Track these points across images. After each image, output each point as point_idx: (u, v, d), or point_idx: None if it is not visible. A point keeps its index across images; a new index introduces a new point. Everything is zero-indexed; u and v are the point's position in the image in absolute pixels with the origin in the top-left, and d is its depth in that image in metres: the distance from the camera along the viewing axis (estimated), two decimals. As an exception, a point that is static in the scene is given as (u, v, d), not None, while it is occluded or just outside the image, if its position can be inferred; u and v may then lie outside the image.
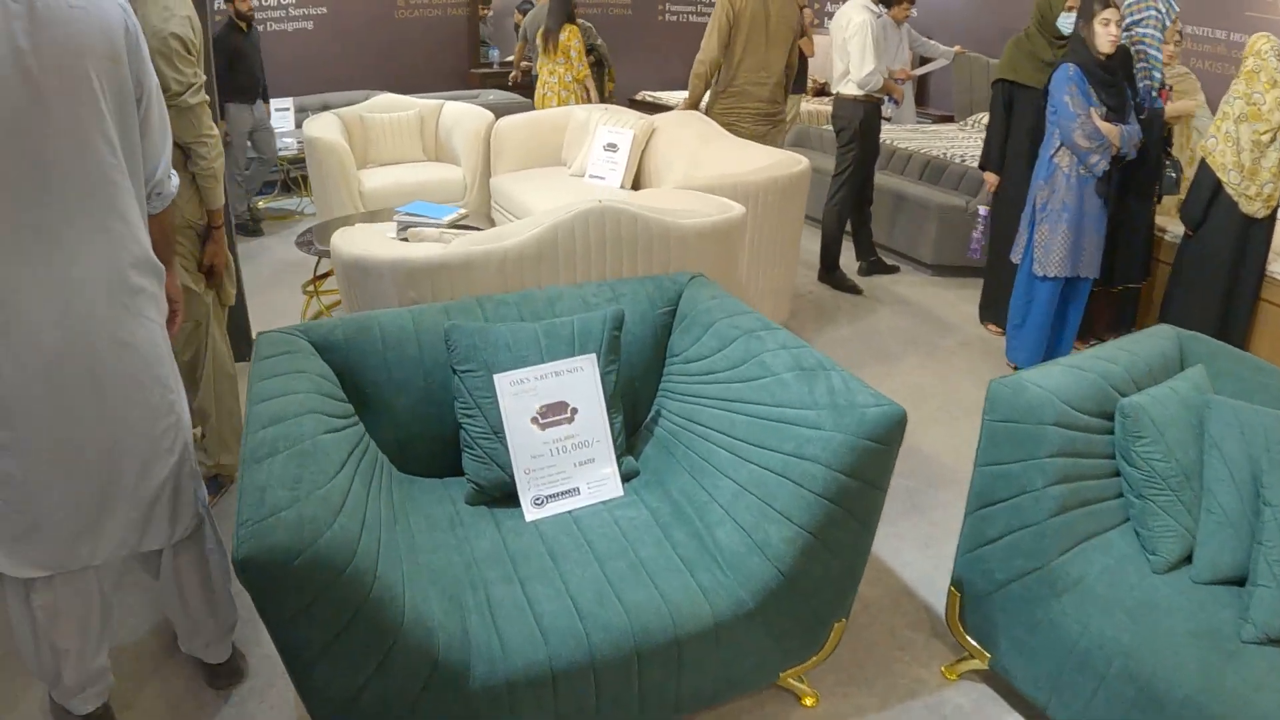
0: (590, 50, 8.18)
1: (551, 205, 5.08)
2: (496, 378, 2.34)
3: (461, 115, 6.42)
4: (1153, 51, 4.33)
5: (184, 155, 2.93)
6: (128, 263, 2.01)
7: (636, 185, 5.49)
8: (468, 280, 2.69)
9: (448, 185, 6.08)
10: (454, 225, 4.61)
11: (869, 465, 2.13)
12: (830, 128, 7.16)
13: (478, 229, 3.02)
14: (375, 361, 2.43)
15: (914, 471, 3.70)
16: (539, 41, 7.61)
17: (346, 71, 8.78)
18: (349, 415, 2.27)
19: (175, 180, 2.24)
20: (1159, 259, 4.81)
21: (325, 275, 4.82)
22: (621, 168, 5.39)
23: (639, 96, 10.07)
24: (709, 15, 10.80)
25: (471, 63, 9.59)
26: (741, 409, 2.36)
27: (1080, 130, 3.99)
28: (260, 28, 8.10)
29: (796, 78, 8.05)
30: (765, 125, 5.71)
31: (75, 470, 1.97)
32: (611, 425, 2.47)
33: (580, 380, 2.42)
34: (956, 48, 8.25)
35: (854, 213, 5.90)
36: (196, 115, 2.86)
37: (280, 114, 7.89)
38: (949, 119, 8.88)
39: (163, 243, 2.18)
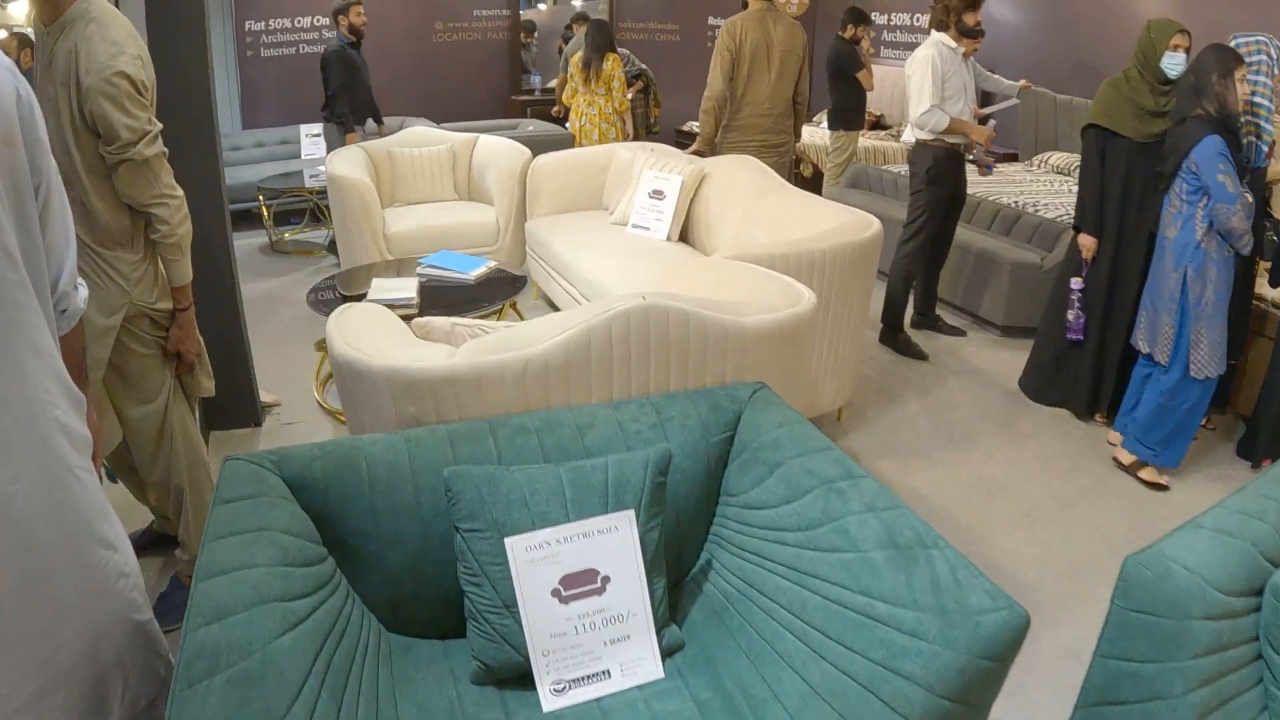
0: (636, 76, 7.76)
1: (589, 259, 4.76)
2: (509, 541, 1.87)
3: (496, 151, 5.98)
4: (1264, 102, 3.80)
5: (141, 220, 2.54)
6: (49, 403, 1.56)
7: (684, 237, 5.02)
8: (479, 396, 2.22)
9: (479, 229, 5.64)
10: (482, 278, 4.18)
11: (978, 687, 1.64)
12: (901, 170, 6.71)
13: (496, 327, 2.53)
14: (361, 507, 1.97)
15: (997, 596, 3.19)
16: (576, 71, 7.21)
17: (382, 97, 8.35)
18: (323, 582, 1.80)
19: (84, 292, 1.78)
20: (1258, 332, 4.27)
21: None
22: (668, 219, 4.92)
23: (685, 127, 9.60)
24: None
25: (513, 89, 9.19)
26: (816, 586, 1.87)
27: (1242, 212, 3.46)
28: (292, 50, 7.76)
29: (852, 112, 7.61)
30: (771, 157, 5.55)
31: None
32: (651, 594, 1.98)
33: (614, 542, 1.94)
34: (1022, 82, 7.72)
35: (923, 267, 5.36)
36: (153, 170, 2.44)
37: (311, 140, 7.52)
38: (1013, 157, 8.33)
39: (75, 370, 1.71)
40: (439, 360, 2.18)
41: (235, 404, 4.02)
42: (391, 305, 3.83)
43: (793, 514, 2.02)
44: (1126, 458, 3.99)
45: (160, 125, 2.46)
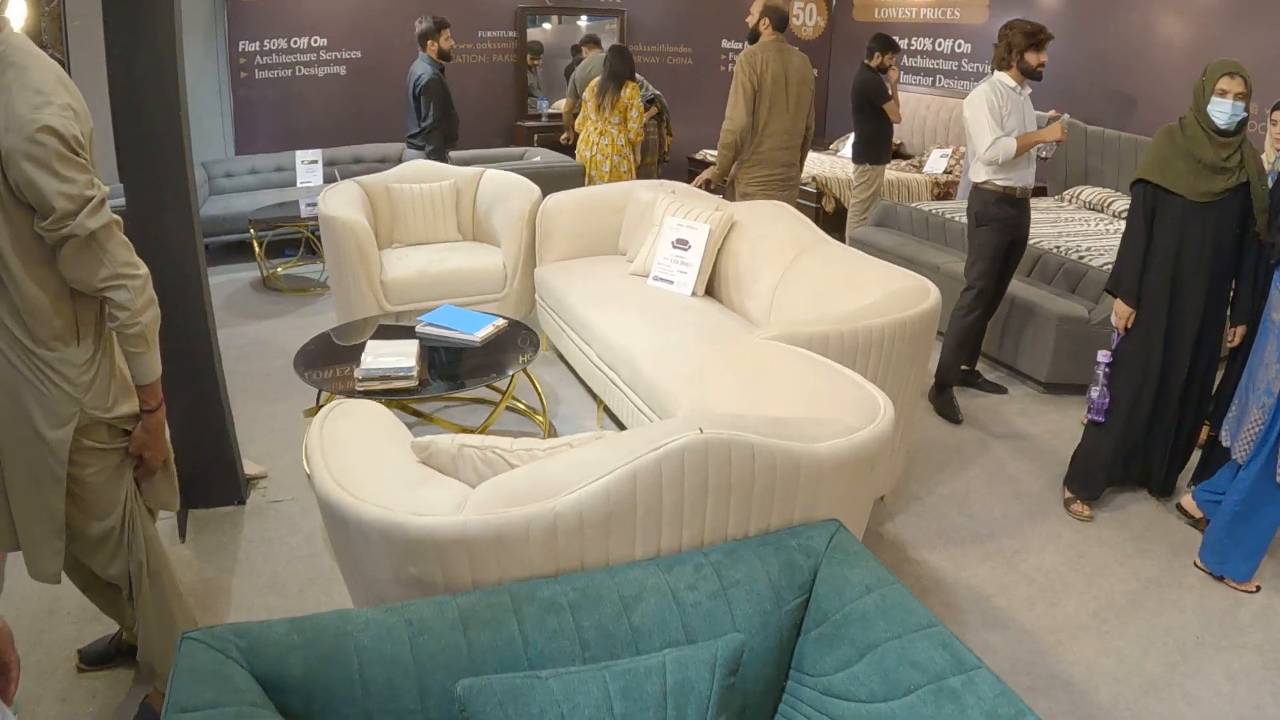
0: (650, 102, 7.37)
1: (609, 318, 4.23)
2: (543, 781, 1.44)
3: (504, 189, 5.56)
4: None
5: (92, 308, 2.13)
6: None
7: (709, 290, 4.61)
8: (498, 555, 1.80)
9: (484, 275, 5.22)
10: (490, 339, 3.74)
11: None
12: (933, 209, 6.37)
13: (512, 451, 2.10)
14: (354, 716, 1.54)
15: (1066, 715, 2.80)
16: (590, 98, 6.83)
17: (381, 122, 7.99)
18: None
19: None
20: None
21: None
22: (694, 272, 4.51)
23: (699, 155, 9.20)
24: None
25: (519, 114, 8.78)
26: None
27: None
28: (288, 73, 7.36)
29: (879, 144, 7.22)
30: (787, 189, 5.65)
31: None
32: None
33: (675, 772, 1.51)
34: (1052, 112, 7.33)
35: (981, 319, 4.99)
36: (101, 245, 1.99)
37: (307, 168, 7.11)
38: (1042, 191, 7.92)
39: None
40: (448, 517, 1.74)
41: (216, 479, 3.61)
42: (387, 378, 3.43)
43: (892, 715, 1.60)
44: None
45: (106, 189, 2.00)
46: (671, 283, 4.56)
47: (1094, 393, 3.82)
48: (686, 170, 9.05)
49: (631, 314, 4.25)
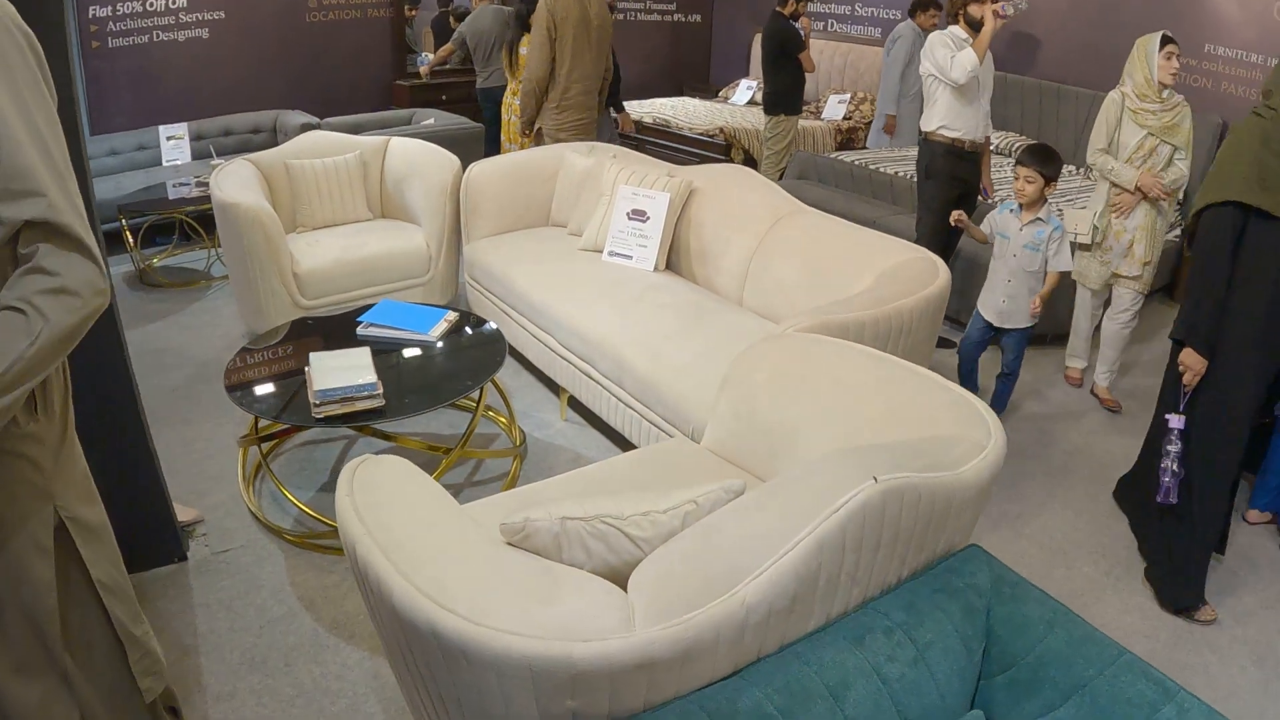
0: None
1: (574, 304, 3.79)
2: None
3: (416, 158, 5.03)
4: None
5: None
6: None
7: (668, 264, 4.24)
8: (679, 670, 1.40)
9: (407, 257, 4.71)
10: (448, 336, 3.28)
11: None
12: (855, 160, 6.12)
13: (628, 520, 1.69)
14: None
15: None
16: (503, 58, 6.33)
17: (251, 89, 7.25)
18: None
19: None
20: None
21: (276, 435, 3.43)
22: (655, 244, 4.12)
23: (596, 109, 8.73)
24: (660, 13, 9.69)
25: (397, 73, 8.12)
26: None
27: None
28: (145, 39, 6.57)
29: (793, 95, 6.91)
30: (585, 136, 5.66)
31: None
32: None
33: None
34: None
35: None
36: None
37: (173, 145, 6.37)
38: None
39: None
40: (622, 639, 1.33)
41: (151, 536, 3.07)
42: (350, 399, 2.95)
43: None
44: None
45: None
46: (630, 258, 4.16)
47: (1166, 469, 3.00)
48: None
49: (596, 297, 3.86)
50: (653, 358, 3.40)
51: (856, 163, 6.35)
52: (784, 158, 7.14)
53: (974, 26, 4.42)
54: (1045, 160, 3.87)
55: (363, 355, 3.23)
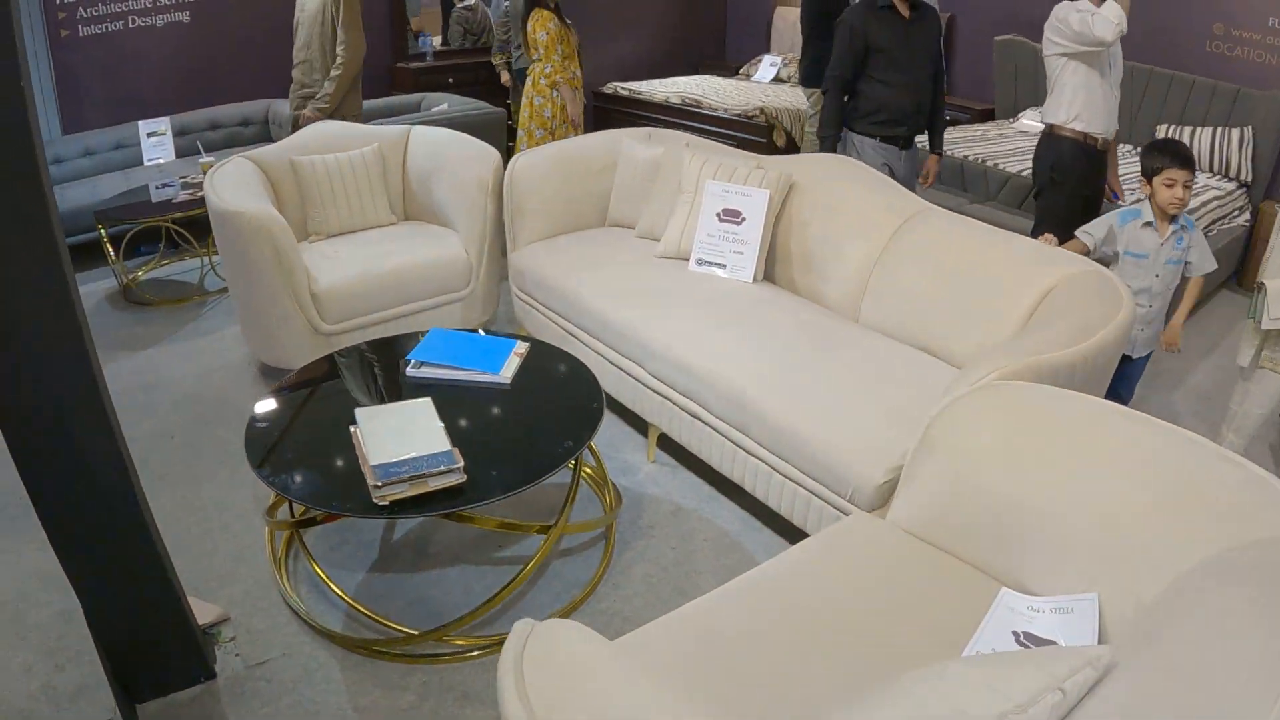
0: None
1: (659, 322, 3.14)
2: None
3: (444, 150, 4.31)
4: None
5: None
6: None
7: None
8: None
9: (444, 267, 3.98)
10: (522, 377, 2.57)
11: None
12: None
13: None
14: None
15: None
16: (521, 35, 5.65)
17: (238, 77, 6.47)
18: None
19: None
20: None
21: (310, 521, 2.70)
22: (753, 251, 3.44)
23: (607, 89, 8.01)
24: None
25: (397, 55, 7.35)
26: None
27: None
28: (119, 26, 5.80)
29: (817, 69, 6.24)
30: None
31: None
32: None
33: None
34: None
35: None
36: None
37: (155, 142, 5.61)
38: (989, 115, 7.08)
39: None
40: None
41: (167, 654, 2.36)
42: (421, 477, 2.25)
43: None
44: None
45: None
46: (723, 267, 3.47)
47: None
48: (592, 109, 7.84)
49: (693, 317, 3.18)
50: (785, 397, 2.73)
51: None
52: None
53: None
54: (1188, 158, 3.15)
55: (425, 410, 2.53)
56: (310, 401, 2.79)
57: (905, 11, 3.99)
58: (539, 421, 2.68)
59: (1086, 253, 3.25)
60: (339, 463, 2.43)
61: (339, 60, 4.74)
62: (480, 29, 7.81)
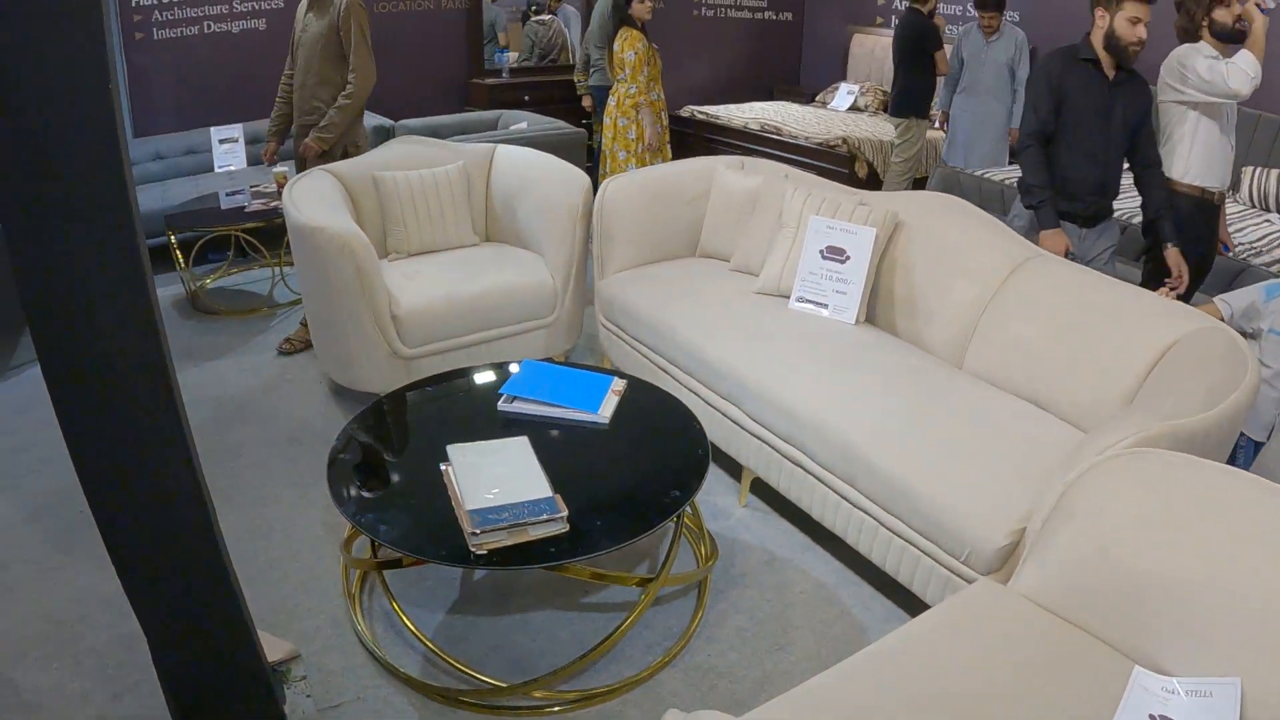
0: None
1: (762, 362, 2.94)
2: None
3: (530, 171, 4.16)
4: None
5: None
6: None
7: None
8: None
9: (530, 293, 3.83)
10: (619, 415, 2.41)
11: None
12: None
13: None
14: None
15: None
16: (606, 54, 5.52)
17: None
18: None
19: None
20: None
21: (394, 563, 2.53)
22: (857, 291, 3.26)
23: (684, 113, 7.87)
24: (750, 10, 8.79)
25: (474, 70, 7.26)
26: None
27: None
28: (194, 30, 5.74)
29: (925, 96, 6.10)
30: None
31: None
32: None
33: None
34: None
35: None
36: None
37: (225, 149, 5.54)
38: None
39: None
40: None
41: (233, 693, 2.19)
42: (522, 525, 2.08)
43: None
44: None
45: None
46: (825, 307, 3.29)
47: None
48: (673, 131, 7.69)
49: (795, 358, 3.01)
50: (896, 449, 2.55)
51: (1013, 184, 5.43)
52: (913, 167, 6.30)
53: (1223, 37, 3.47)
54: None
55: (522, 450, 2.37)
56: (396, 432, 2.64)
57: (1110, 71, 3.40)
58: (642, 466, 2.50)
59: (1221, 317, 3.03)
60: (430, 503, 2.26)
61: (349, 89, 4.18)
62: (551, 46, 7.71)
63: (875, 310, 3.37)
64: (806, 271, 3.30)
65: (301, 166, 4.35)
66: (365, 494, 2.31)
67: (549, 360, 2.99)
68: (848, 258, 3.25)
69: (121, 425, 1.74)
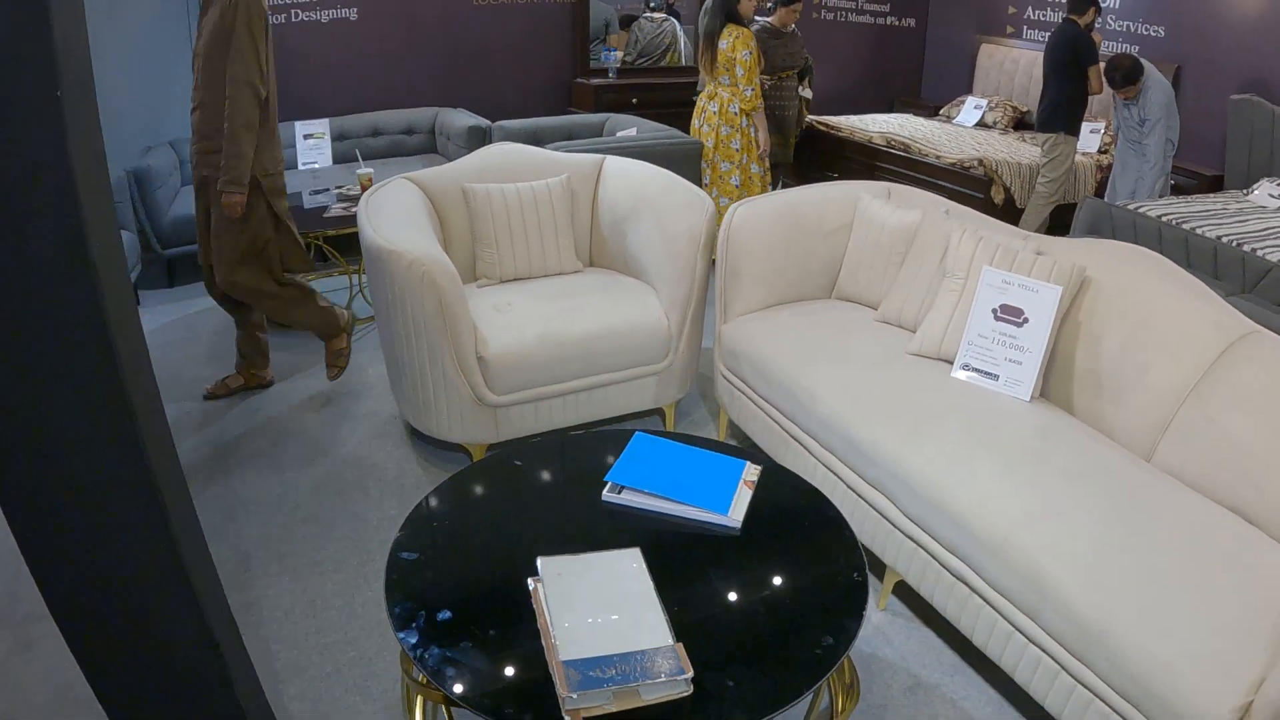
0: (799, 71, 5.59)
1: (920, 442, 2.31)
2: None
3: (644, 189, 3.63)
4: None
5: None
6: None
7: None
8: None
9: (640, 335, 3.29)
10: (753, 522, 1.91)
11: None
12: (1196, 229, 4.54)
13: None
14: None
15: None
16: (701, 55, 5.05)
17: (405, 81, 6.00)
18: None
19: None
20: None
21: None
22: (1035, 361, 2.67)
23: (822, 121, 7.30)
24: (872, 14, 8.20)
25: (579, 69, 6.77)
26: None
27: None
28: (281, 20, 5.36)
29: (1076, 112, 5.49)
30: None
31: None
32: None
33: None
34: None
35: None
36: None
37: (310, 145, 5.13)
38: (1218, 183, 6.07)
39: None
40: None
41: None
42: (628, 690, 1.56)
43: None
44: None
45: None
46: (995, 378, 2.70)
47: None
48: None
49: (963, 445, 2.45)
50: (1098, 584, 1.98)
51: (1171, 221, 4.75)
52: (1060, 189, 5.67)
53: None
54: None
55: (633, 570, 1.85)
56: (474, 526, 2.14)
57: None
58: (785, 598, 1.96)
59: None
60: (514, 637, 1.75)
61: (226, 108, 3.16)
62: (654, 46, 7.20)
63: (1049, 381, 2.78)
64: (975, 334, 2.73)
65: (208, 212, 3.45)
66: (432, 618, 1.80)
67: (660, 427, 2.47)
68: (1025, 320, 2.67)
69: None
